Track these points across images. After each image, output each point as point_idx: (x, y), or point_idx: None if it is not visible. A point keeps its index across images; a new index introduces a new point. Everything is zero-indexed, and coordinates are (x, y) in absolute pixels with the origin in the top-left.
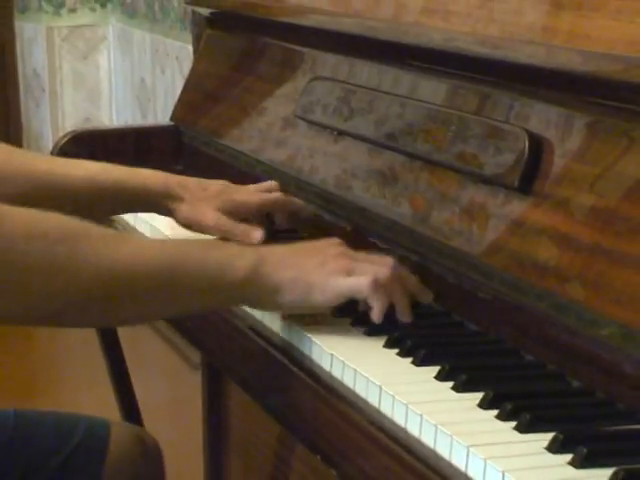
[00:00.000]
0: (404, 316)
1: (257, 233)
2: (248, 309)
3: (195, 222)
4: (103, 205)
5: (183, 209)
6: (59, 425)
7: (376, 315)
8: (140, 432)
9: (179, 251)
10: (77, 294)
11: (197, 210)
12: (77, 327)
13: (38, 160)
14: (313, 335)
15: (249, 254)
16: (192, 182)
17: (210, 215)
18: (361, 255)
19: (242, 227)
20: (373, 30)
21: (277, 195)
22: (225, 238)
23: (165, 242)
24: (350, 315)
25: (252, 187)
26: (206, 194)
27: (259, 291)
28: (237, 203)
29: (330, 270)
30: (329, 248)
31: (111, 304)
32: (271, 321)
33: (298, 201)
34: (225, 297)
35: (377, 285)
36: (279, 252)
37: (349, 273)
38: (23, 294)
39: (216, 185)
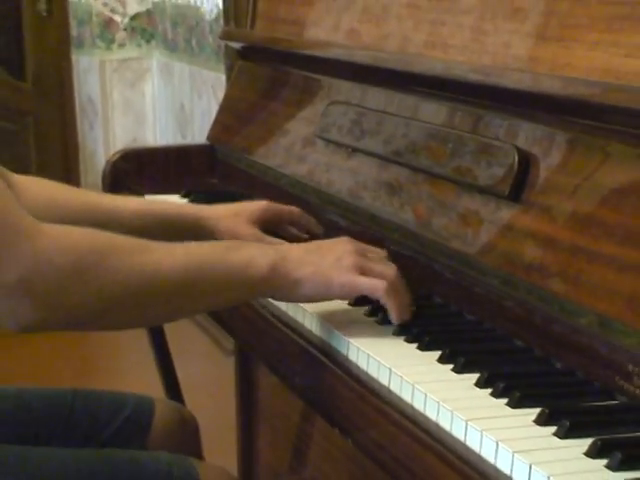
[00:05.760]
0: (406, 315)
1: None
2: (274, 302)
3: (234, 237)
4: (149, 233)
5: (221, 226)
6: (111, 401)
7: (395, 316)
8: (180, 408)
9: (202, 253)
10: (110, 300)
11: (234, 225)
12: (113, 330)
13: (90, 195)
14: (333, 325)
15: (271, 252)
16: (215, 206)
17: (245, 230)
18: (369, 252)
19: (274, 241)
20: (382, 61)
21: (291, 208)
22: None
23: (189, 246)
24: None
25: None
26: (232, 211)
27: (281, 285)
28: (259, 212)
29: (346, 266)
30: (342, 245)
31: (141, 307)
32: (295, 312)
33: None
34: (250, 291)
35: (391, 289)
36: (298, 250)
37: (362, 271)
38: (60, 303)
39: (234, 205)
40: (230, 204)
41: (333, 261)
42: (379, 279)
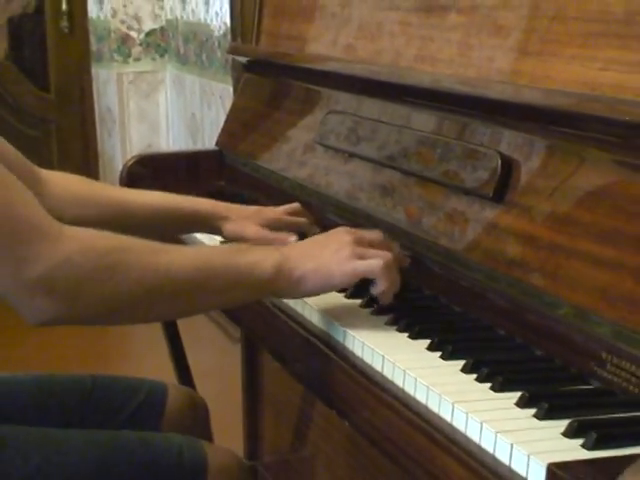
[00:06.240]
0: (388, 299)
1: (292, 238)
2: None
3: (239, 236)
4: (165, 227)
5: (228, 226)
6: (127, 387)
7: (377, 289)
8: (191, 393)
9: (212, 255)
10: (125, 297)
11: (240, 226)
12: (127, 324)
13: (112, 189)
14: (331, 316)
15: (276, 255)
16: (234, 205)
17: (251, 229)
18: (365, 239)
19: (279, 235)
20: (376, 74)
21: (301, 220)
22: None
23: (200, 249)
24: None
25: (281, 209)
26: (246, 213)
27: (286, 284)
28: (270, 220)
29: (345, 255)
30: (339, 237)
31: (154, 303)
32: (296, 304)
33: (314, 228)
34: (255, 292)
35: (386, 268)
36: (298, 248)
37: (360, 257)
38: (78, 300)
39: (253, 208)
40: (247, 207)
41: (332, 254)
42: (375, 259)
